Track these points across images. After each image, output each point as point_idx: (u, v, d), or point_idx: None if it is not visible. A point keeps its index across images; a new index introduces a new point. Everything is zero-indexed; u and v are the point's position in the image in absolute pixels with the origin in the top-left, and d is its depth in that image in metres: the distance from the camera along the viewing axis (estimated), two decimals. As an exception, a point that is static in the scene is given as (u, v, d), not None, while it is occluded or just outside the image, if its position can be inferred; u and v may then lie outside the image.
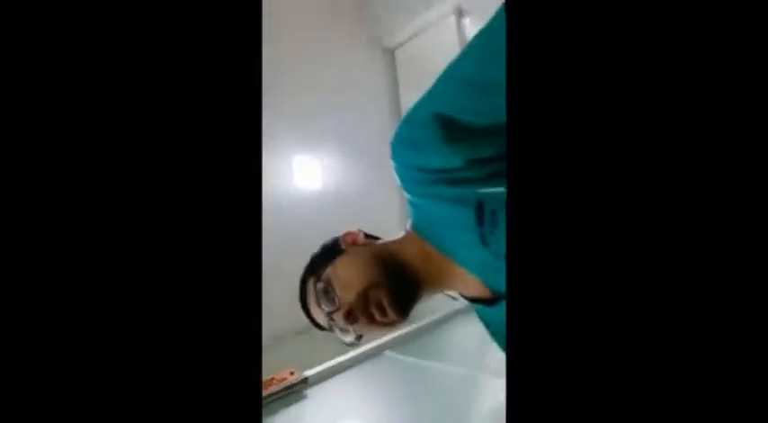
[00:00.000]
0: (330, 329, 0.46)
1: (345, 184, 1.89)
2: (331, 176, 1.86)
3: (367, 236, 0.49)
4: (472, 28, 1.82)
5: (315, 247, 0.49)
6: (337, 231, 0.50)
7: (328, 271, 0.43)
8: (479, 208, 0.36)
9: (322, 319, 0.45)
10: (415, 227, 0.45)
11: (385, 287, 0.41)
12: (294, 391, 1.01)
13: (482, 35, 0.33)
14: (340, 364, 1.14)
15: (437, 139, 0.34)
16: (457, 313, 1.46)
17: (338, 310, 0.42)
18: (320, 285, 0.43)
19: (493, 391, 0.98)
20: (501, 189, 0.35)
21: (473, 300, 0.45)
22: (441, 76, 0.35)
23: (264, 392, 0.95)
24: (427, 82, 0.37)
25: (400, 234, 0.47)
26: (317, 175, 1.82)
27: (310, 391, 1.03)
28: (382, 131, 1.93)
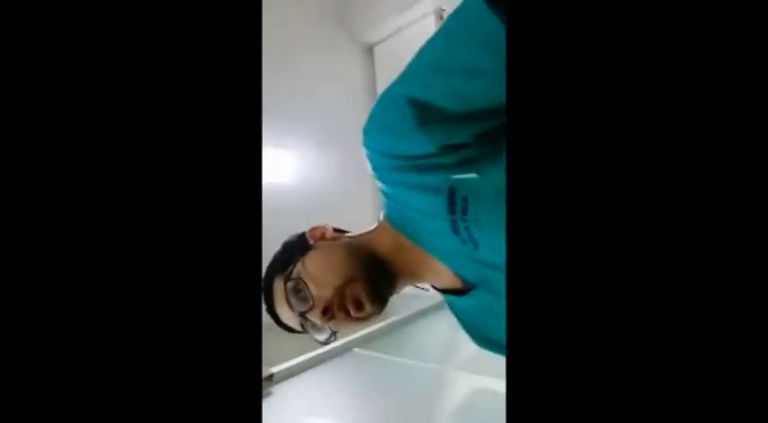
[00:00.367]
0: (301, 331, 0.44)
1: (321, 180, 1.86)
2: (306, 172, 1.82)
3: (335, 230, 0.47)
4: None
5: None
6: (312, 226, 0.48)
7: (298, 269, 0.42)
8: (451, 195, 0.35)
9: (292, 321, 0.43)
10: (388, 217, 0.44)
11: (361, 281, 0.40)
12: (259, 389, 0.98)
13: (453, 19, 0.32)
14: (306, 360, 1.13)
15: (409, 123, 0.34)
16: (426, 310, 1.48)
17: (312, 308, 0.41)
18: (290, 284, 0.41)
19: (460, 386, 1.00)
20: (473, 175, 0.34)
21: (444, 291, 0.45)
22: (413, 60, 0.35)
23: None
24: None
25: (373, 226, 0.46)
26: (293, 169, 1.79)
27: (276, 389, 1.01)
28: (360, 128, 1.92)
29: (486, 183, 0.34)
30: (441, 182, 0.35)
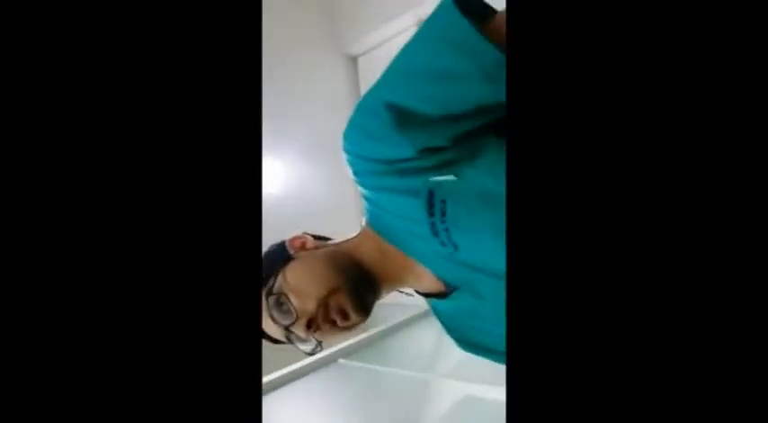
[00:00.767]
0: (286, 342, 0.44)
1: (308, 189, 1.85)
2: (291, 181, 1.82)
3: (316, 237, 0.47)
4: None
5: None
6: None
7: (279, 281, 0.41)
8: (430, 197, 0.36)
9: (277, 333, 0.43)
10: (370, 222, 0.44)
11: (345, 291, 0.40)
12: (242, 402, 0.95)
13: (427, 24, 0.33)
14: (291, 372, 1.10)
15: (388, 127, 0.34)
16: (410, 319, 1.48)
17: (296, 321, 0.40)
18: (272, 299, 0.40)
19: (445, 394, 1.00)
20: (451, 177, 0.35)
21: (427, 294, 0.45)
22: (391, 64, 0.35)
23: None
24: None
25: (355, 232, 0.46)
26: (279, 179, 1.78)
27: (259, 402, 0.99)
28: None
29: (465, 185, 0.35)
30: (420, 185, 0.36)
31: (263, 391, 1.02)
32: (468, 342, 0.46)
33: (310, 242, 0.45)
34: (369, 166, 0.38)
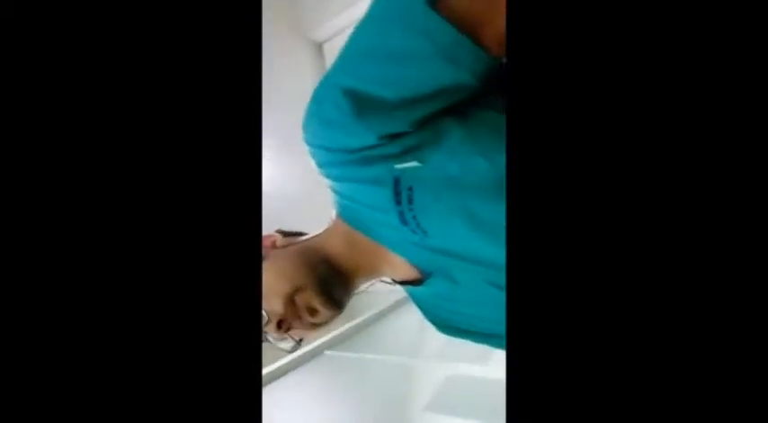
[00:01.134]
0: (265, 341, 0.43)
1: (280, 183, 1.81)
2: (265, 174, 1.77)
3: (287, 234, 0.46)
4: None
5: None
6: (264, 231, 0.47)
7: None
8: (396, 185, 0.35)
9: None
10: (340, 214, 0.44)
11: (311, 288, 0.40)
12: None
13: (378, 3, 0.31)
14: (278, 369, 1.10)
15: (346, 115, 0.33)
16: (394, 306, 1.49)
17: (268, 323, 0.40)
18: None
19: (432, 375, 1.02)
20: (415, 163, 0.34)
21: (403, 282, 0.45)
22: (343, 48, 0.34)
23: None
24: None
25: (326, 225, 0.46)
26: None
27: (247, 401, 0.98)
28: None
29: (430, 170, 0.34)
30: (384, 173, 0.35)
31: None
32: (447, 325, 0.47)
33: (280, 240, 0.45)
34: (331, 156, 0.37)
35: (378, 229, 0.41)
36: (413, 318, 1.39)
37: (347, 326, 1.34)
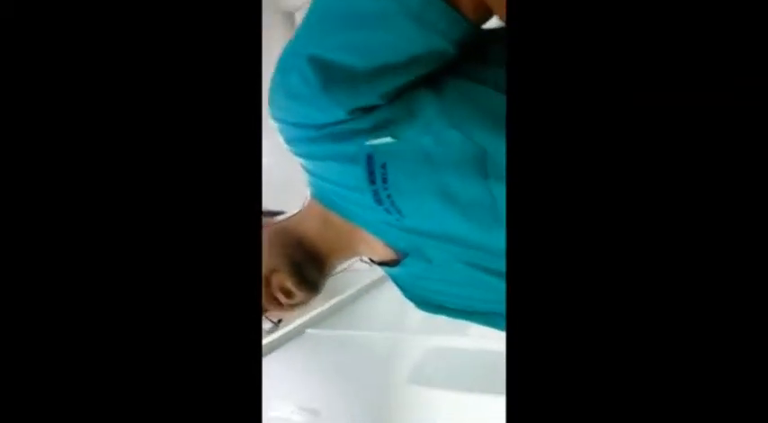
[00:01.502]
0: None
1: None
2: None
3: (264, 213, 0.45)
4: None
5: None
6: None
7: None
8: (369, 163, 0.33)
9: None
10: (314, 193, 0.42)
11: (285, 270, 0.39)
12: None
13: None
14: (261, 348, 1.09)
15: (313, 86, 0.30)
16: (375, 282, 1.50)
17: None
18: None
19: (413, 348, 1.04)
20: (388, 139, 0.32)
21: (381, 263, 0.45)
22: (308, 13, 0.31)
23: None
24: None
25: (302, 205, 0.44)
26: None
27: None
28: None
29: (404, 146, 0.32)
30: (356, 150, 0.33)
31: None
32: (425, 303, 0.47)
33: None
34: (299, 132, 0.35)
35: (352, 209, 0.39)
36: (392, 294, 1.40)
37: (328, 304, 1.35)
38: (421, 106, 0.31)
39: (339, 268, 0.47)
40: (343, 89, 0.30)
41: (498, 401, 0.79)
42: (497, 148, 0.30)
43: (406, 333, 1.12)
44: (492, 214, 0.32)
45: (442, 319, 0.47)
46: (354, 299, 1.45)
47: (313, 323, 1.26)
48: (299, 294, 0.40)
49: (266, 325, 0.44)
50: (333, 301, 1.38)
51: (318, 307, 1.30)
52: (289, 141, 0.37)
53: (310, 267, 0.41)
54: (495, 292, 0.39)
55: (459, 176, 0.32)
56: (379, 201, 0.34)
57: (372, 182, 0.34)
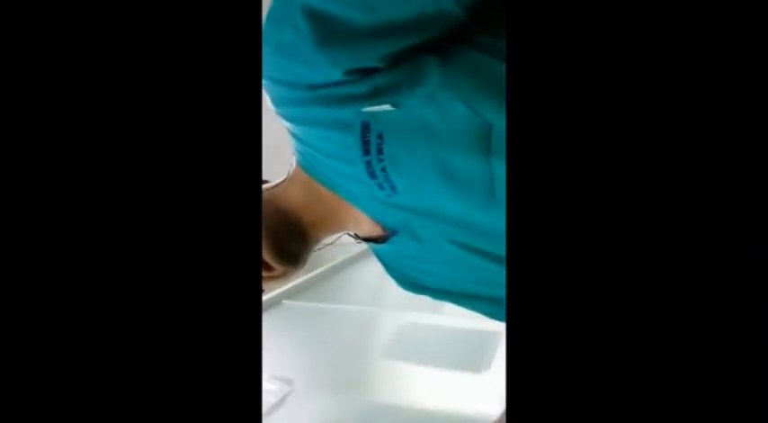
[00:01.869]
0: None
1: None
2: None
3: None
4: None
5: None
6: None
7: None
8: (364, 132, 0.31)
9: None
10: (300, 161, 0.39)
11: (264, 242, 0.37)
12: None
13: None
14: (234, 318, 1.09)
15: (307, 41, 0.27)
16: (355, 257, 1.50)
17: None
18: None
19: (389, 323, 1.06)
20: (387, 106, 0.29)
21: (367, 239, 0.43)
22: None
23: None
24: None
25: (287, 173, 0.41)
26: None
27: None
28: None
29: (404, 116, 0.30)
30: (351, 116, 0.30)
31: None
32: (410, 282, 0.46)
33: None
34: (288, 92, 0.32)
35: (341, 181, 0.37)
36: (371, 270, 1.41)
37: (306, 276, 1.34)
38: (425, 74, 0.28)
39: (324, 242, 0.45)
40: (341, 46, 0.27)
41: (470, 378, 0.82)
42: (504, 123, 0.28)
43: (383, 308, 1.14)
44: (489, 193, 0.31)
45: (419, 297, 0.47)
46: (333, 272, 1.45)
47: (291, 294, 1.26)
48: (278, 268, 0.38)
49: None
50: (311, 274, 1.37)
51: (296, 279, 1.30)
52: (276, 102, 0.33)
53: (292, 240, 0.39)
54: (483, 272, 0.39)
55: (460, 152, 0.30)
56: (372, 174, 0.32)
57: (366, 152, 0.31)
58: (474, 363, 0.86)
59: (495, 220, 0.32)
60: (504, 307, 0.41)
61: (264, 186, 0.42)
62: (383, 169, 0.32)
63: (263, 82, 0.33)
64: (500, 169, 0.30)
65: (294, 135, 0.36)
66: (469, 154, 0.30)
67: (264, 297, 1.17)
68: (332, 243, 0.48)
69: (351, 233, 0.44)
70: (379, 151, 0.31)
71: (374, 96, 0.29)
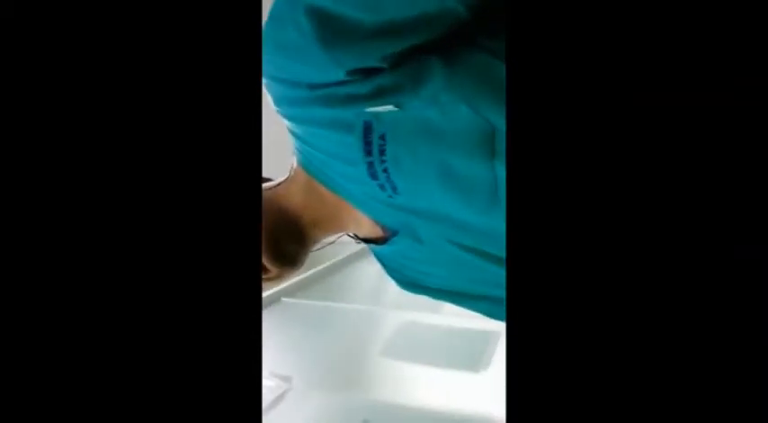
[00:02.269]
0: None
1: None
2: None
3: None
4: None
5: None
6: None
7: None
8: (366, 133, 0.31)
9: None
10: (301, 161, 0.39)
11: (262, 243, 0.37)
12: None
13: None
14: (233, 315, 1.09)
15: (310, 40, 0.27)
16: (353, 255, 1.50)
17: None
18: None
19: (387, 322, 1.06)
20: (390, 107, 0.29)
21: (366, 240, 0.43)
22: None
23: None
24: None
25: (288, 173, 0.41)
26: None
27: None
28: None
29: (407, 117, 0.30)
30: (353, 117, 0.30)
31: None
32: (409, 283, 0.46)
33: None
34: (289, 91, 0.31)
35: (341, 182, 0.37)
36: (370, 269, 1.41)
37: (305, 274, 1.34)
38: (429, 75, 0.28)
39: (324, 241, 0.45)
40: (344, 46, 0.27)
41: (468, 377, 0.82)
42: None
43: (382, 307, 1.14)
44: (492, 196, 0.31)
45: (418, 296, 0.47)
46: (333, 270, 1.45)
47: (290, 292, 1.26)
48: (273, 269, 0.38)
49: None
50: (311, 272, 1.37)
51: (295, 277, 1.30)
52: (277, 101, 0.33)
53: (290, 242, 0.39)
54: (484, 273, 0.39)
55: (463, 154, 0.30)
56: (373, 175, 0.32)
57: (368, 153, 0.31)
58: (473, 362, 0.86)
59: (498, 222, 0.32)
60: (504, 307, 0.41)
61: (265, 185, 0.42)
62: (385, 170, 0.32)
63: (264, 81, 0.33)
64: (503, 172, 0.30)
65: (295, 134, 0.36)
66: (473, 156, 0.30)
67: (263, 294, 1.17)
68: (332, 242, 0.48)
69: (350, 234, 0.44)
70: (382, 152, 0.31)
71: (377, 97, 0.29)
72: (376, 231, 0.41)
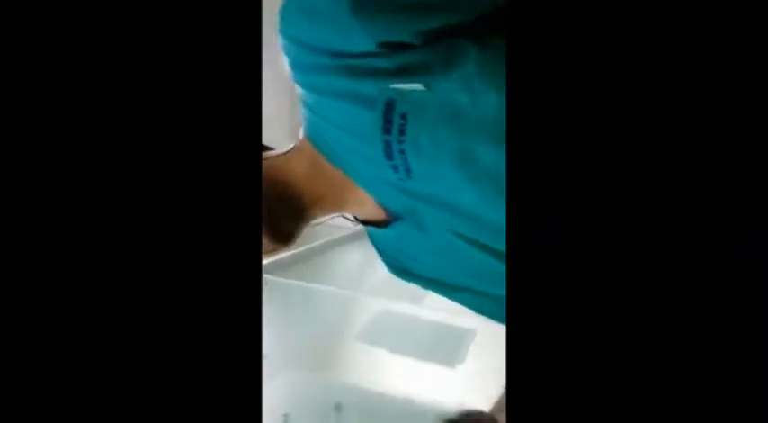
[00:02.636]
0: None
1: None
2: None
3: None
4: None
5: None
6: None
7: None
8: (388, 110, 0.29)
9: None
10: (308, 133, 0.37)
11: None
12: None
13: None
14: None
15: (342, 6, 0.26)
16: (342, 239, 1.50)
17: None
18: None
19: (366, 310, 1.06)
20: (418, 86, 0.28)
21: (366, 222, 0.42)
22: None
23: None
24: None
25: (292, 144, 0.39)
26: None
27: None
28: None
29: (434, 99, 0.28)
30: (376, 92, 0.29)
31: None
32: (401, 269, 0.46)
33: None
34: (311, 57, 0.30)
35: (351, 159, 0.35)
36: (356, 253, 1.41)
37: (289, 253, 1.33)
38: (462, 59, 0.27)
39: (317, 221, 0.44)
40: (376, 15, 0.26)
41: (441, 371, 0.84)
42: None
43: (362, 293, 1.14)
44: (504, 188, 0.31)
45: (399, 286, 0.47)
46: (316, 252, 1.44)
47: (272, 270, 1.25)
48: (268, 245, 0.37)
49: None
50: (294, 251, 1.36)
51: (279, 254, 1.29)
52: (295, 66, 0.32)
53: (286, 216, 0.37)
54: (481, 267, 0.38)
55: (487, 142, 0.29)
56: (389, 154, 0.31)
57: (387, 132, 0.30)
58: (447, 356, 0.87)
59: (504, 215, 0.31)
60: (494, 303, 0.41)
61: (266, 154, 0.40)
62: (402, 151, 0.31)
63: (282, 42, 0.31)
64: None
65: (306, 104, 0.35)
66: (496, 145, 0.29)
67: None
68: (321, 223, 0.46)
69: (348, 216, 0.43)
70: (401, 132, 0.30)
71: (403, 73, 0.28)
72: (378, 214, 0.40)
